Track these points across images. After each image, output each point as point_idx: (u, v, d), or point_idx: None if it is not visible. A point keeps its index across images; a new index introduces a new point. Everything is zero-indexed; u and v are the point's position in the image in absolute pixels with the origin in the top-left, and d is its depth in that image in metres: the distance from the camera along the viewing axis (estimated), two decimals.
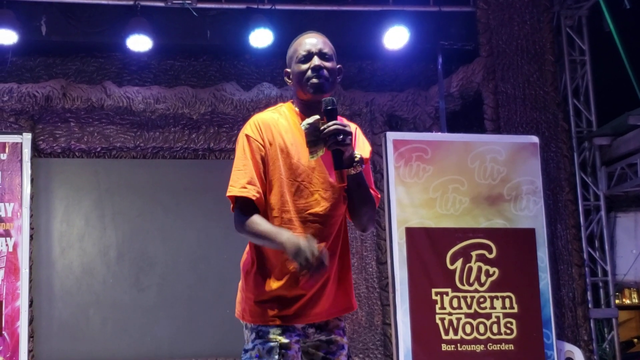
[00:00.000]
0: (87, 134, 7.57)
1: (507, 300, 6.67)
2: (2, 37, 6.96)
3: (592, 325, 7.41)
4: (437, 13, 7.72)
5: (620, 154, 7.57)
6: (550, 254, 6.99)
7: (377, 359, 7.55)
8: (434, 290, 6.60)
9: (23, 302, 6.56)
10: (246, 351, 2.83)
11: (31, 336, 6.90)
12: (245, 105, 7.56)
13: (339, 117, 2.77)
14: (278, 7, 7.38)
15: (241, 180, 2.79)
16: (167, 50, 7.71)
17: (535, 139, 7.07)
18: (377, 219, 7.17)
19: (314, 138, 2.72)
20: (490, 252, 6.73)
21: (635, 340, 10.00)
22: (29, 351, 6.72)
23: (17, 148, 6.79)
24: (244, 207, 2.78)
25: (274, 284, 2.79)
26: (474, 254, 6.70)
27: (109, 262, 7.54)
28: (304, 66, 2.84)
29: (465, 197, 6.78)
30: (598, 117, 7.76)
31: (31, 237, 6.89)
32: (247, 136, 2.84)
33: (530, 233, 6.83)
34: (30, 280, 6.82)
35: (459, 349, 6.54)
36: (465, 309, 6.60)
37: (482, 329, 6.60)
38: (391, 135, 6.84)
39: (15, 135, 6.89)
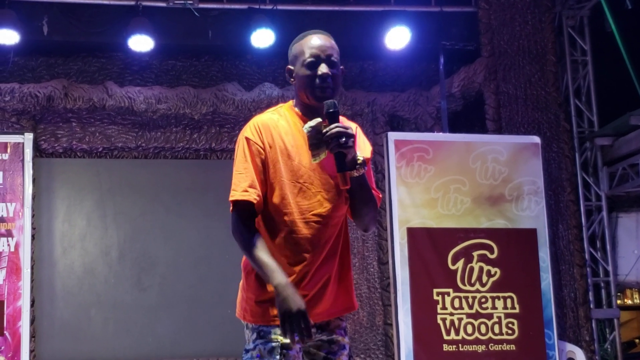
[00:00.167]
0: (88, 134, 7.58)
1: (508, 301, 6.67)
2: (4, 37, 6.96)
3: (593, 325, 7.41)
4: (438, 13, 7.72)
5: (621, 154, 7.56)
6: (551, 254, 6.98)
7: (378, 359, 7.55)
8: (435, 290, 6.60)
9: (25, 302, 6.57)
10: (247, 351, 2.82)
11: (33, 336, 6.91)
12: (247, 105, 7.56)
13: (340, 117, 2.77)
14: (279, 7, 7.38)
15: (242, 184, 2.78)
16: (168, 51, 7.72)
17: (536, 139, 7.06)
18: (378, 219, 7.17)
19: (316, 141, 2.71)
20: (492, 252, 6.73)
21: (637, 340, 10.00)
22: (31, 351, 6.73)
23: (18, 148, 6.80)
24: (244, 210, 2.77)
25: None
26: (475, 254, 6.69)
27: (111, 262, 7.54)
28: (310, 72, 2.79)
29: (466, 197, 6.78)
30: (600, 118, 7.75)
31: (33, 237, 6.90)
32: (247, 139, 2.82)
33: (531, 233, 6.82)
34: (32, 280, 6.82)
35: (461, 349, 6.54)
36: (466, 309, 6.60)
37: (483, 329, 6.60)
38: (393, 136, 6.84)
39: (17, 135, 6.89)
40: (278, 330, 2.75)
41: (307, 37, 2.86)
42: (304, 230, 2.78)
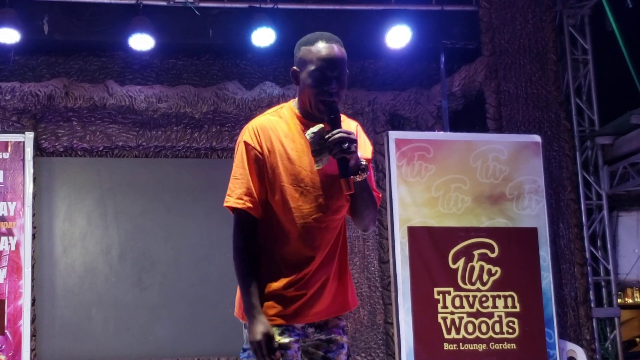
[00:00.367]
0: (89, 133, 7.58)
1: (509, 300, 6.67)
2: (5, 36, 6.97)
3: (594, 324, 7.41)
4: (439, 12, 7.72)
5: (622, 153, 7.56)
6: (552, 253, 6.98)
7: (379, 358, 7.56)
8: (436, 289, 6.60)
9: (25, 301, 6.57)
10: (244, 350, 2.82)
11: (33, 335, 6.91)
12: (248, 104, 7.56)
13: (341, 115, 2.75)
14: (280, 6, 7.38)
15: (237, 191, 2.77)
16: (169, 49, 7.72)
17: (537, 138, 7.06)
18: (379, 218, 7.18)
19: (319, 147, 2.68)
20: (493, 251, 6.73)
21: (638, 339, 10.01)
22: (32, 350, 6.73)
23: (19, 147, 6.80)
24: (241, 217, 2.78)
25: (273, 284, 2.78)
26: (476, 253, 6.70)
27: (111, 261, 7.54)
28: (317, 87, 2.72)
29: (467, 196, 6.78)
30: (600, 116, 7.75)
31: (33, 235, 6.90)
32: (245, 143, 2.79)
33: (532, 232, 6.83)
34: (33, 279, 6.82)
35: (461, 348, 6.54)
36: (467, 308, 6.60)
37: (484, 328, 6.60)
38: (393, 135, 6.84)
39: (18, 134, 6.89)
40: (276, 330, 2.75)
41: (317, 44, 2.75)
42: (304, 234, 2.77)
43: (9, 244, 6.63)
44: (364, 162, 2.73)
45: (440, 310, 6.56)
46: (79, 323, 7.38)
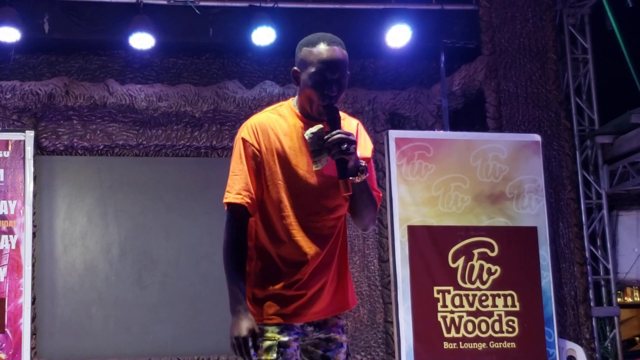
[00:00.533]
0: (89, 132, 7.58)
1: (509, 299, 6.68)
2: (5, 34, 6.97)
3: (594, 323, 7.41)
4: (439, 11, 7.72)
5: (622, 152, 7.56)
6: (552, 252, 6.99)
7: (379, 357, 7.56)
8: (436, 288, 6.61)
9: (26, 300, 6.57)
10: None
11: (34, 333, 6.91)
12: (248, 103, 7.57)
13: (340, 113, 2.75)
14: (281, 5, 7.38)
15: (236, 186, 2.77)
16: (169, 48, 7.72)
17: (537, 137, 7.07)
18: (379, 217, 7.18)
19: (318, 147, 2.68)
20: (492, 250, 6.73)
21: (637, 338, 10.01)
22: (32, 348, 6.73)
23: (19, 146, 6.80)
24: (236, 212, 2.77)
25: (273, 283, 2.78)
26: (476, 252, 6.70)
27: (112, 259, 7.55)
28: (317, 89, 2.71)
29: (467, 195, 6.79)
30: (600, 116, 7.75)
31: (34, 234, 6.90)
32: (243, 140, 2.79)
33: (532, 231, 6.83)
34: (33, 278, 6.81)
35: (461, 347, 6.55)
36: (467, 307, 6.61)
37: (484, 327, 6.61)
38: (393, 134, 6.84)
39: (18, 133, 6.88)
40: (275, 329, 2.76)
41: (319, 45, 2.73)
42: (302, 233, 2.77)
43: (10, 242, 6.63)
44: (363, 164, 2.72)
45: (440, 309, 6.57)
46: (79, 322, 7.38)
